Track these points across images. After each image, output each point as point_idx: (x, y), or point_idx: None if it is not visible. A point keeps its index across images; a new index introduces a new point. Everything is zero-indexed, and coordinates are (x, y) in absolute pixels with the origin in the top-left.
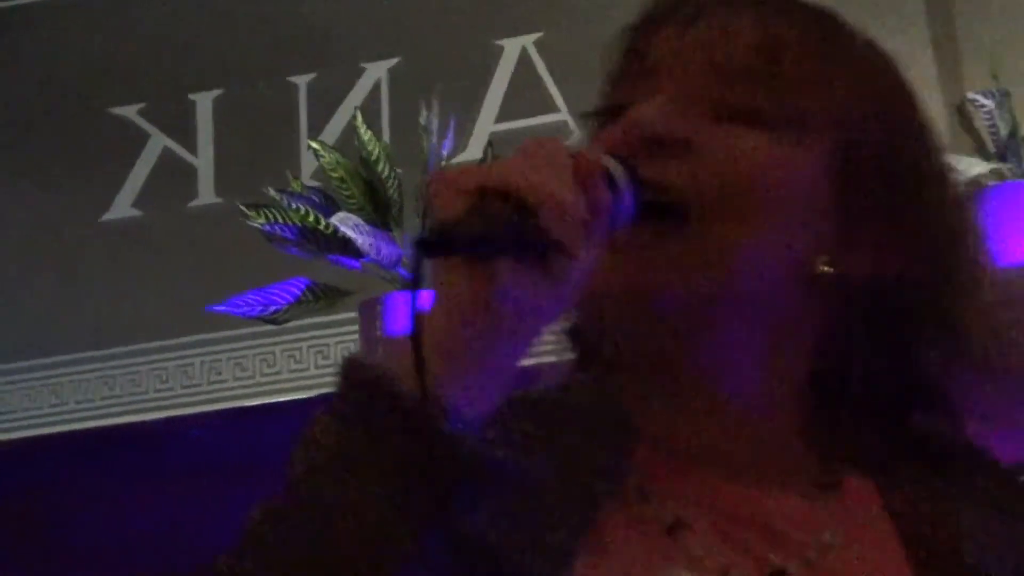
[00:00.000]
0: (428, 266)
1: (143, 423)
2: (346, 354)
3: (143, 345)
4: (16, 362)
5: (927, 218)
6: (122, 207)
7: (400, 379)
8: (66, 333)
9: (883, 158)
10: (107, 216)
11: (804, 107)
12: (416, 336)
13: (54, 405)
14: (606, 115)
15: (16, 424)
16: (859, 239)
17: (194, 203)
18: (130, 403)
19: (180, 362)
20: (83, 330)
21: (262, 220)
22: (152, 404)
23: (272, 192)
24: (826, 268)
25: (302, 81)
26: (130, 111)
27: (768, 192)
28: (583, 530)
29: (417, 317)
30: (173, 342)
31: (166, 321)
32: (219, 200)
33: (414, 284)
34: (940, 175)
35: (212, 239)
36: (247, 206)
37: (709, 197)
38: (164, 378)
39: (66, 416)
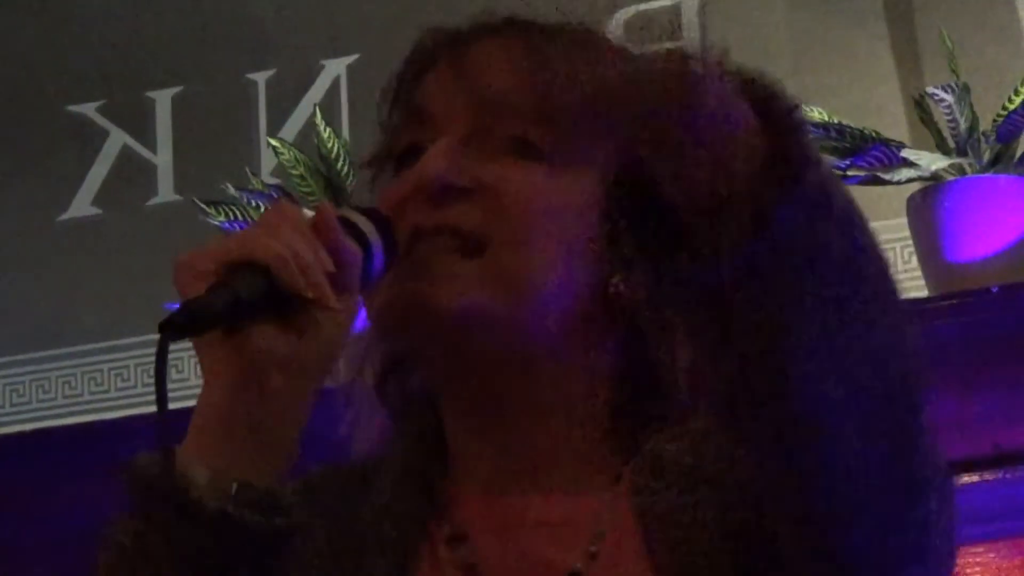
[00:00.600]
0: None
1: (104, 422)
2: (134, 456)
3: (103, 344)
4: None
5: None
6: (81, 205)
7: (182, 470)
8: (25, 332)
9: (654, 181)
10: (66, 215)
11: (571, 136)
12: (160, 429)
13: (14, 403)
14: (386, 162)
15: None
16: (635, 261)
17: (154, 201)
18: (91, 402)
19: (141, 360)
20: (42, 329)
21: (222, 218)
22: (113, 403)
23: (231, 189)
24: (616, 289)
25: (261, 78)
26: (88, 108)
27: (550, 226)
28: None
29: (161, 406)
30: (134, 340)
31: (126, 319)
32: (179, 198)
33: (158, 373)
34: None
35: (172, 237)
36: (207, 203)
37: (499, 233)
38: (126, 376)
39: (27, 415)
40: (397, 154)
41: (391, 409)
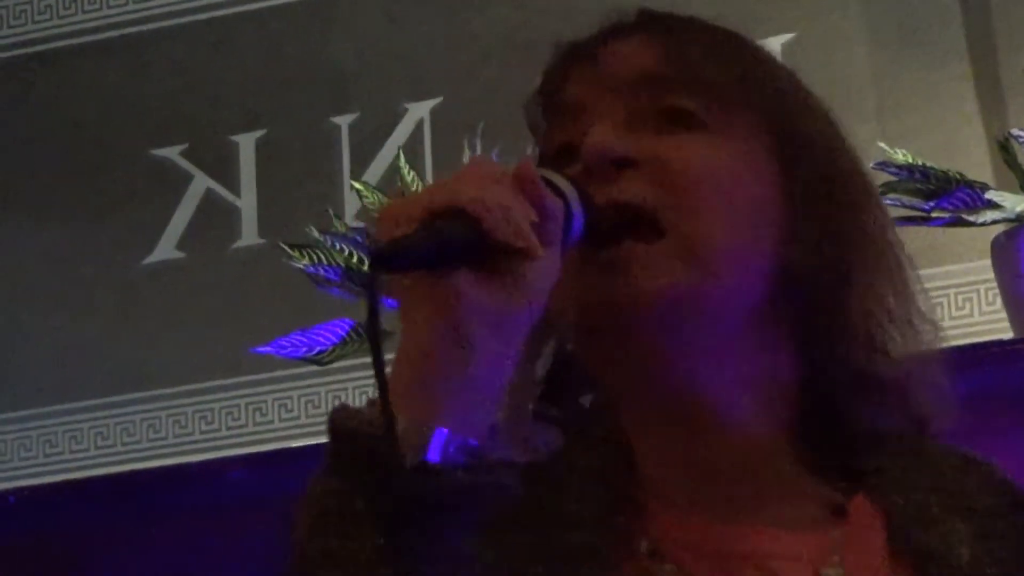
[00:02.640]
0: (387, 287)
1: (186, 465)
2: (339, 407)
3: (188, 387)
4: (61, 404)
5: (855, 209)
6: (165, 249)
7: (378, 427)
8: (111, 375)
9: (816, 154)
10: (150, 258)
11: (731, 106)
12: (379, 372)
13: (100, 447)
14: (551, 160)
15: (61, 467)
16: (805, 229)
17: (237, 244)
18: (176, 445)
19: (225, 404)
20: (127, 372)
21: (305, 261)
22: (198, 446)
23: (315, 233)
24: (794, 258)
25: (344, 122)
26: (172, 152)
27: (730, 191)
28: None
29: (376, 349)
30: (217, 383)
31: (210, 362)
32: (262, 241)
33: (371, 309)
34: (859, 170)
35: (255, 280)
36: (290, 247)
37: (674, 204)
38: (210, 419)
39: (112, 458)
40: (551, 155)
41: (562, 414)
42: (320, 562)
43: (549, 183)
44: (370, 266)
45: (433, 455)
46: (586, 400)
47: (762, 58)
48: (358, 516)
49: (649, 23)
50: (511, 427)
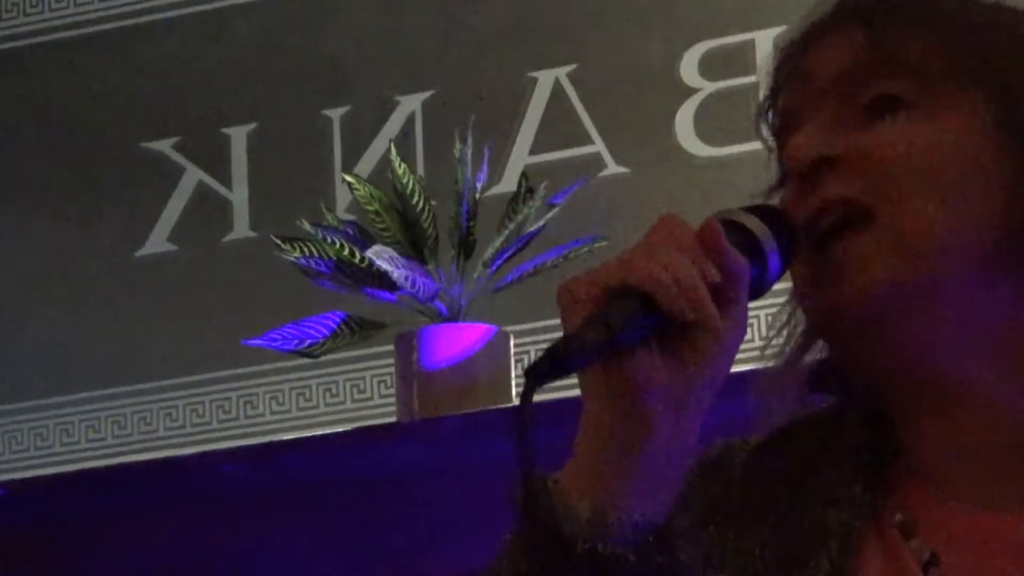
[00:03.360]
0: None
1: (177, 458)
2: (530, 476)
3: (179, 380)
4: (53, 397)
5: None
6: (157, 242)
7: (564, 504)
8: (102, 368)
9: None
10: (142, 251)
11: (935, 83)
12: (527, 471)
13: (90, 440)
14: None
15: (53, 460)
16: None
17: (229, 237)
18: (167, 437)
19: (216, 396)
20: (119, 365)
21: (297, 254)
22: (189, 438)
23: (307, 226)
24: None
25: (336, 114)
26: (164, 145)
27: (938, 171)
28: (840, 567)
29: (525, 454)
30: (209, 376)
31: (201, 355)
32: (254, 234)
33: (520, 419)
34: None
35: (247, 273)
36: (282, 239)
37: (879, 193)
38: (201, 412)
39: (103, 451)
40: (779, 163)
41: (822, 388)
42: None
43: (739, 227)
44: (527, 378)
45: (620, 539)
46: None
47: (978, 22)
48: None
49: (849, 15)
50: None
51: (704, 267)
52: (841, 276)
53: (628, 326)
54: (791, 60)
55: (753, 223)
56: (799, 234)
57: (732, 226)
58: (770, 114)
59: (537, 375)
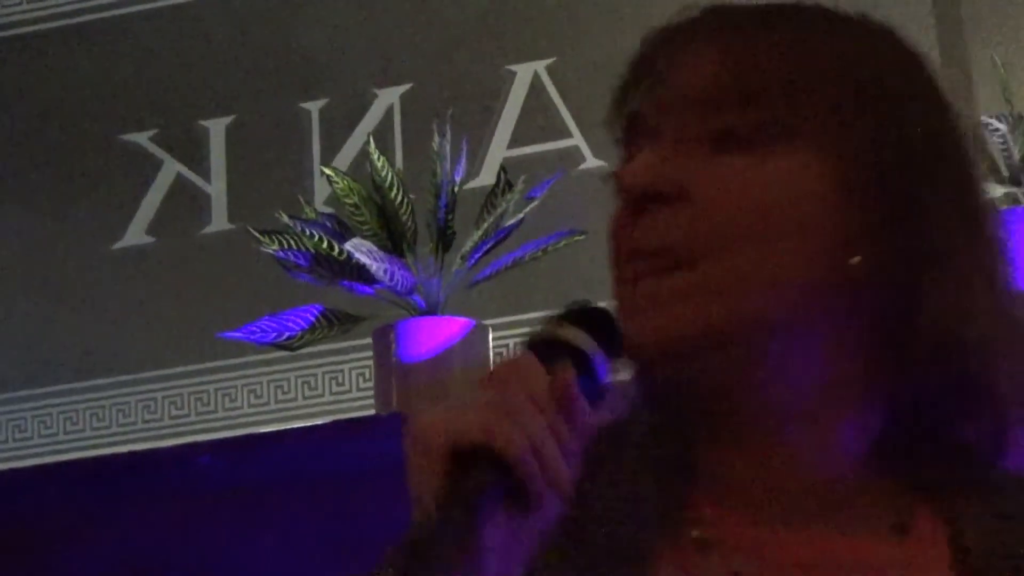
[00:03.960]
0: None
1: (156, 450)
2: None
3: (157, 372)
4: (30, 389)
5: (938, 215)
6: (135, 234)
7: None
8: (79, 360)
9: (880, 160)
10: (120, 243)
11: (787, 122)
12: None
13: (68, 432)
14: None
15: (29, 451)
16: (868, 242)
17: (207, 229)
18: (145, 430)
19: (194, 389)
20: (96, 357)
21: (275, 246)
22: (167, 430)
23: (285, 218)
24: (856, 267)
25: (314, 107)
26: (142, 137)
27: (765, 221)
28: None
29: None
30: (187, 368)
31: (180, 348)
32: (232, 226)
33: None
34: (959, 167)
35: (225, 265)
36: (260, 232)
37: (711, 236)
38: (179, 404)
39: (81, 443)
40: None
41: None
42: None
43: (569, 347)
44: (406, 553)
45: None
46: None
47: (832, 72)
48: None
49: (709, 30)
50: None
51: (558, 429)
52: (647, 311)
53: (485, 499)
54: (649, 61)
55: (581, 339)
56: (620, 336)
57: (562, 345)
58: (618, 108)
59: (415, 551)
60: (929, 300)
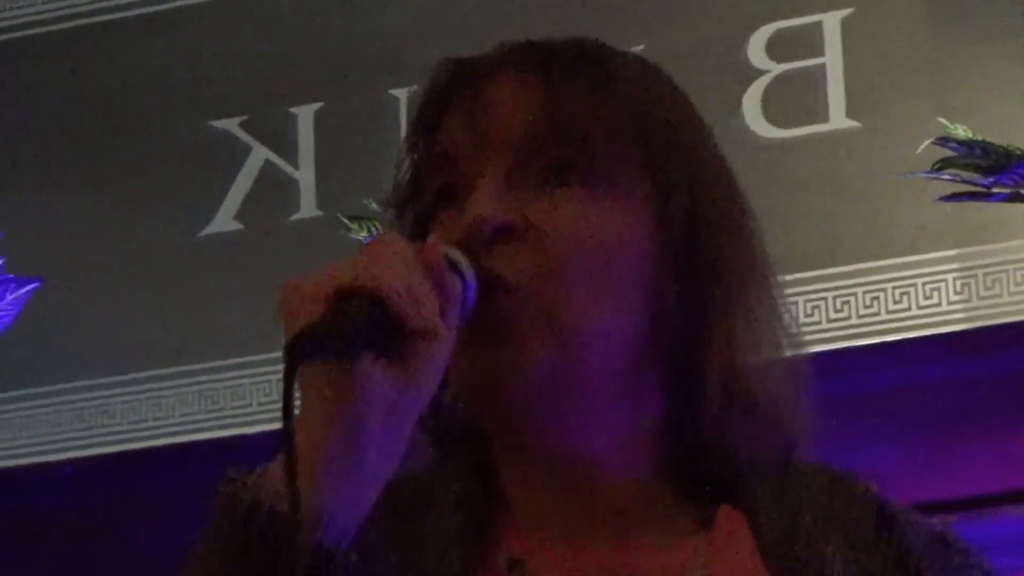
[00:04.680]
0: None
1: (241, 436)
2: (222, 479)
3: (246, 358)
4: (120, 375)
5: (734, 256)
6: (223, 220)
7: (269, 499)
8: (168, 347)
9: (689, 197)
10: (208, 230)
11: (608, 155)
12: (289, 450)
13: (157, 418)
14: (413, 202)
15: (116, 437)
16: (675, 276)
17: (295, 216)
18: (232, 416)
19: (281, 375)
20: (185, 344)
21: (363, 233)
22: (255, 417)
23: (373, 205)
24: (667, 315)
25: (402, 94)
26: (231, 124)
27: (601, 255)
28: None
29: (288, 430)
30: (275, 355)
31: (268, 334)
32: (320, 213)
33: (286, 394)
34: (739, 215)
35: (313, 252)
36: (348, 219)
37: (545, 271)
38: (267, 391)
39: (169, 430)
40: (431, 197)
41: (434, 437)
42: None
43: (450, 260)
44: (289, 355)
45: (321, 538)
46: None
47: (645, 95)
48: None
49: (526, 64)
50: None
51: (427, 286)
52: (499, 342)
53: (361, 328)
54: (458, 93)
55: (462, 259)
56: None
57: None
58: (416, 132)
59: (298, 355)
60: (718, 333)
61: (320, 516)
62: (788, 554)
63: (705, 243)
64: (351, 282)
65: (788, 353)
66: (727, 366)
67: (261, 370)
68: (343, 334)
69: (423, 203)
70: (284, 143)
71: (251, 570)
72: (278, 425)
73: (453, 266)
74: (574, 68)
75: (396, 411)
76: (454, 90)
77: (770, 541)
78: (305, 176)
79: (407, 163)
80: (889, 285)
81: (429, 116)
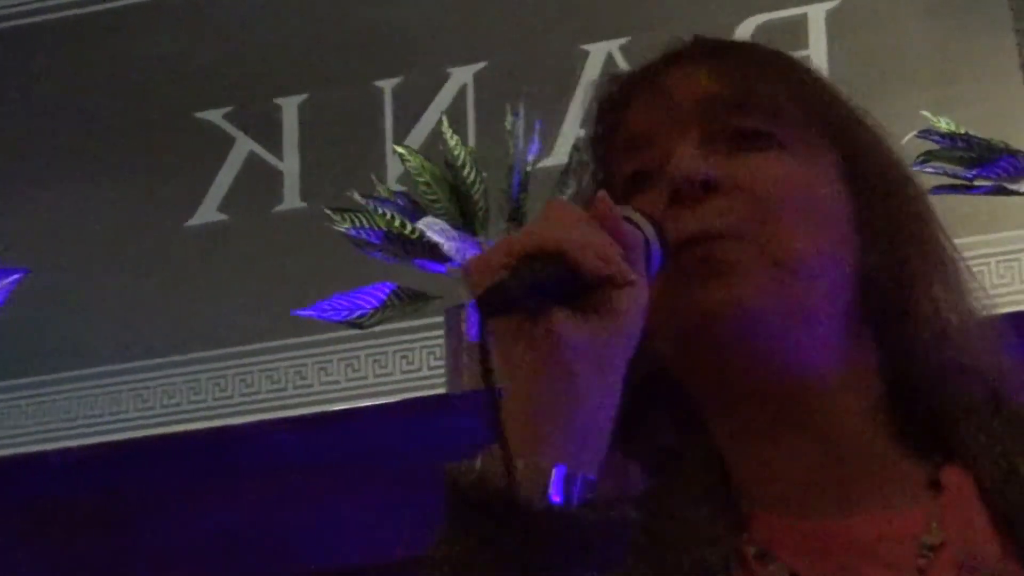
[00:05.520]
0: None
1: (226, 427)
2: (449, 465)
3: (228, 350)
4: (101, 366)
5: (911, 215)
6: (208, 211)
7: (497, 475)
8: (151, 338)
9: (875, 163)
10: (192, 221)
11: (800, 124)
12: (496, 416)
13: (139, 409)
14: (620, 190)
15: (102, 428)
16: (872, 237)
17: (280, 207)
18: (215, 407)
19: (265, 366)
20: (168, 335)
21: (348, 224)
22: (237, 408)
23: (357, 197)
24: (873, 269)
25: (388, 85)
26: (216, 115)
27: (810, 205)
28: None
29: (491, 390)
30: (259, 346)
31: (251, 325)
32: (304, 205)
33: (483, 350)
34: (908, 176)
35: (298, 244)
36: (333, 210)
37: (759, 224)
38: (249, 382)
39: (153, 420)
40: (621, 185)
41: (650, 447)
42: None
43: (626, 219)
44: (480, 312)
45: (556, 496)
46: (663, 439)
47: (816, 78)
48: (496, 570)
49: (707, 50)
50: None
51: (605, 238)
52: (718, 279)
53: (549, 282)
54: (642, 83)
55: (638, 217)
56: (670, 246)
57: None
58: (600, 127)
59: (485, 305)
60: (920, 292)
61: (549, 470)
62: (1010, 501)
63: (897, 207)
64: (530, 244)
65: (983, 314)
66: (934, 323)
67: (244, 361)
68: (532, 287)
69: (615, 190)
70: (269, 134)
71: (495, 551)
72: (261, 416)
73: (629, 223)
74: (752, 52)
75: (600, 361)
76: (637, 81)
77: (990, 491)
78: (289, 167)
79: (589, 159)
80: None
81: (613, 110)
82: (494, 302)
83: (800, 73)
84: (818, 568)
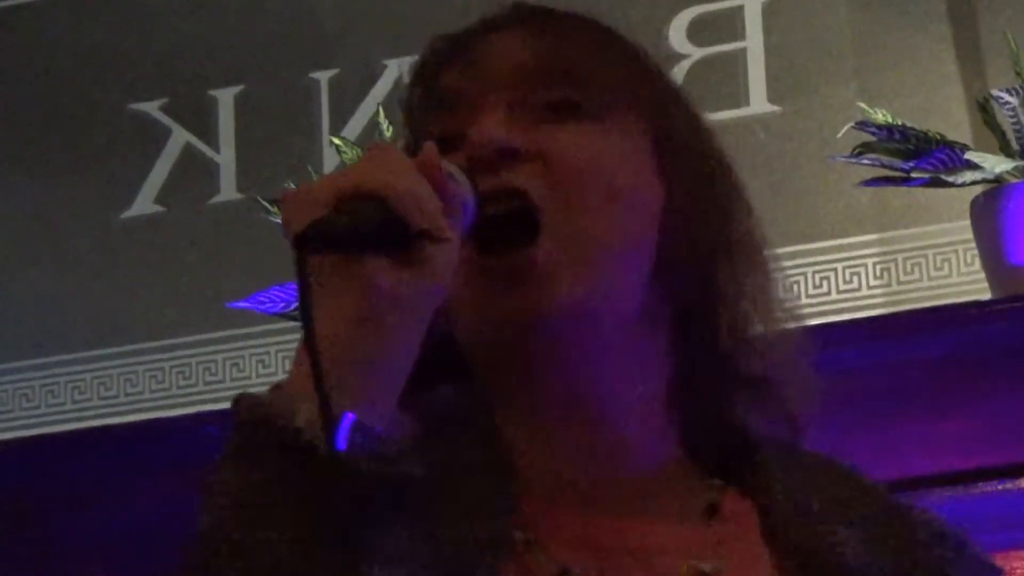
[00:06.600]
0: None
1: (166, 419)
2: (243, 395)
3: (165, 342)
4: (37, 359)
5: (723, 192)
6: (144, 203)
7: (290, 407)
8: (87, 330)
9: (686, 139)
10: (128, 213)
11: (613, 97)
12: (313, 350)
13: (76, 401)
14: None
15: (35, 420)
16: (678, 223)
17: (216, 199)
18: (152, 400)
19: (202, 358)
20: (105, 326)
21: None
22: (175, 400)
23: (294, 188)
24: (675, 249)
25: (323, 77)
26: (151, 107)
27: (612, 181)
28: None
29: (309, 329)
30: (195, 338)
31: (188, 317)
32: (240, 196)
33: (301, 285)
34: (726, 165)
35: (233, 235)
36: (269, 202)
37: (559, 197)
38: (187, 374)
39: (89, 413)
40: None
41: (426, 409)
42: (237, 553)
43: (449, 175)
44: (294, 248)
45: (341, 442)
46: (446, 390)
47: (638, 55)
48: (275, 506)
49: (526, 17)
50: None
51: (428, 189)
52: (527, 284)
53: (367, 225)
54: (457, 47)
55: (457, 171)
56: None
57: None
58: (416, 88)
59: (307, 245)
60: (725, 298)
61: (344, 413)
62: (798, 536)
63: (709, 201)
64: (354, 185)
65: (789, 326)
66: (734, 332)
67: (180, 353)
68: (350, 228)
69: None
70: (204, 126)
71: (274, 488)
72: (200, 408)
73: (450, 177)
74: (572, 21)
75: (405, 313)
76: (451, 46)
77: (780, 524)
78: (226, 159)
79: (405, 123)
80: (810, 270)
81: (427, 72)
82: (314, 238)
83: (619, 46)
84: (588, 563)
